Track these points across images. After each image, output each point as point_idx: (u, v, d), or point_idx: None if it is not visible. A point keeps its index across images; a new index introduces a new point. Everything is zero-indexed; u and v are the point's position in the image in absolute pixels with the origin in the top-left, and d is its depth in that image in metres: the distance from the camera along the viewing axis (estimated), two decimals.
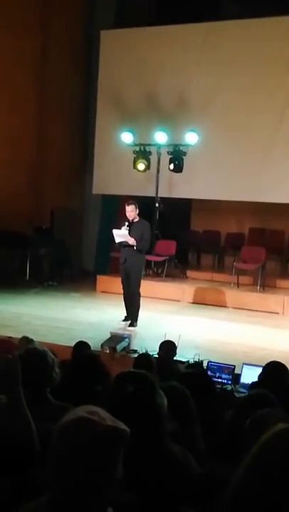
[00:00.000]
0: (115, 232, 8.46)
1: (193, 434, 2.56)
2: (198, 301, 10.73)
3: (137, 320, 8.58)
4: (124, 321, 8.62)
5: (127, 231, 8.35)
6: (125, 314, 8.70)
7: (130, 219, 8.45)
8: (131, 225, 8.42)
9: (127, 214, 8.47)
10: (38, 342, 5.19)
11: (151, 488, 2.16)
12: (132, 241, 8.33)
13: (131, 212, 8.45)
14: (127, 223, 8.43)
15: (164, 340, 6.17)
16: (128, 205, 8.52)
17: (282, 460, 1.43)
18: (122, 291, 8.83)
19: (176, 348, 5.99)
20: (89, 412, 1.55)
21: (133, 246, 8.37)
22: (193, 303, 10.75)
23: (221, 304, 10.56)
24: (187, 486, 2.25)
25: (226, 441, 2.58)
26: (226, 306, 10.51)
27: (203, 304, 10.64)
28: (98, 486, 1.51)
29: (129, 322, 8.55)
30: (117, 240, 8.47)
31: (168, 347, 5.92)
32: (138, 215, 8.56)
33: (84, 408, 1.60)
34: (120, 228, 8.46)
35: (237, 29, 11.52)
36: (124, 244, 8.46)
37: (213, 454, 2.63)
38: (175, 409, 2.51)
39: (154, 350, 6.13)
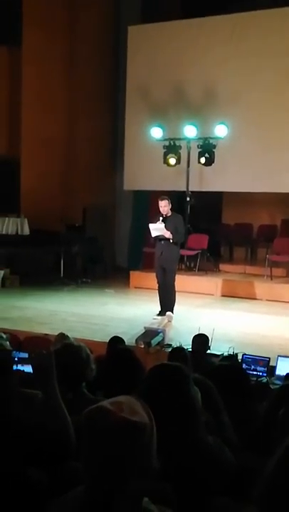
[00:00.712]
0: (151, 226, 8.55)
1: (221, 425, 2.56)
2: (232, 295, 10.70)
3: (172, 310, 8.64)
4: (158, 315, 8.65)
5: (163, 224, 8.44)
6: (159, 309, 8.73)
7: (164, 214, 8.53)
8: (165, 219, 8.51)
9: (161, 209, 8.54)
10: (73, 338, 5.25)
11: (188, 479, 2.18)
12: (168, 234, 8.43)
13: (164, 207, 8.53)
14: (161, 218, 8.51)
15: (196, 334, 6.17)
16: (161, 200, 8.60)
17: None
18: (156, 286, 8.87)
19: (208, 341, 5.99)
20: (112, 402, 1.58)
21: (169, 239, 8.46)
22: (226, 296, 10.72)
23: (255, 297, 10.51)
24: (222, 476, 2.26)
25: (261, 433, 2.58)
26: (259, 299, 10.45)
27: (236, 297, 10.60)
28: (124, 476, 1.53)
29: (164, 317, 8.59)
30: (154, 234, 8.55)
31: (201, 341, 5.92)
32: (170, 209, 8.62)
33: (115, 398, 1.63)
34: (155, 223, 8.54)
35: (266, 19, 11.39)
36: (160, 238, 8.54)
37: (247, 445, 2.64)
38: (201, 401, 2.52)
39: (188, 344, 6.14)
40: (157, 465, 1.61)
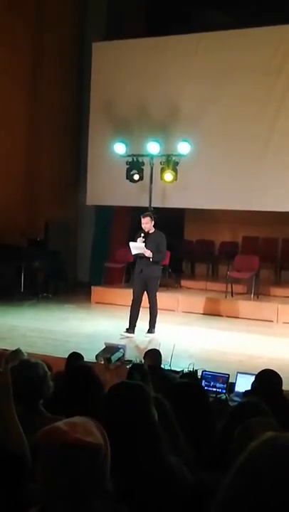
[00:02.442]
0: (132, 244, 8.45)
1: (175, 444, 2.57)
2: (193, 311, 10.75)
3: (154, 327, 8.62)
4: (126, 332, 8.51)
5: (144, 244, 8.35)
6: (127, 326, 8.59)
7: (146, 230, 8.45)
8: (146, 236, 8.43)
9: (143, 226, 8.48)
10: (33, 354, 5.20)
11: (147, 499, 2.17)
12: (148, 253, 8.33)
13: (146, 224, 8.47)
14: (142, 234, 8.43)
15: (148, 349, 6.19)
16: (144, 217, 8.56)
17: (270, 467, 1.44)
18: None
19: (161, 356, 6.00)
20: (66, 423, 1.58)
21: (149, 258, 8.37)
22: (187, 312, 10.76)
23: (215, 313, 10.57)
24: (181, 496, 2.26)
25: (218, 450, 2.59)
26: (220, 315, 10.52)
27: (197, 313, 10.65)
28: (79, 497, 1.53)
29: (132, 335, 8.52)
30: (134, 252, 8.46)
31: (153, 355, 5.93)
32: (154, 226, 8.58)
33: (70, 419, 1.63)
34: (135, 240, 8.46)
35: (227, 39, 11.60)
36: (140, 256, 8.46)
37: (205, 463, 2.64)
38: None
39: None
40: (111, 485, 1.61)
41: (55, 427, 1.58)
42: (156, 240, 8.47)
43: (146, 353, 6.08)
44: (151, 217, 8.56)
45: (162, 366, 5.95)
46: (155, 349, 6.09)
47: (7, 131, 12.50)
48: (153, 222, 8.58)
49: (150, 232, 8.50)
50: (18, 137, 12.88)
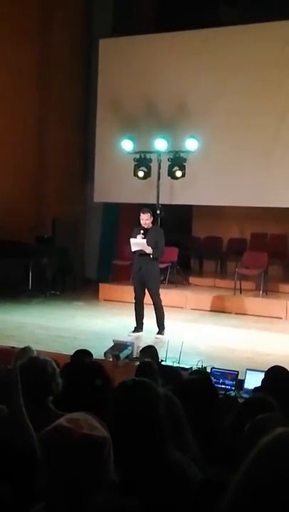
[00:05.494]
0: (133, 240, 8.30)
1: (184, 442, 2.56)
2: (201, 308, 10.73)
3: (164, 328, 8.44)
4: (134, 332, 8.43)
5: (145, 240, 8.23)
6: (135, 325, 8.50)
7: (146, 227, 8.33)
8: (145, 232, 8.30)
9: (142, 222, 8.34)
10: (41, 351, 5.19)
11: (155, 495, 2.16)
12: (149, 250, 8.19)
13: (146, 220, 8.33)
14: (142, 231, 8.31)
15: (144, 346, 6.20)
16: (144, 212, 8.40)
17: (281, 464, 1.43)
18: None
19: (157, 352, 6.00)
20: (68, 420, 1.57)
21: (149, 254, 8.25)
22: (195, 309, 10.74)
23: (224, 310, 10.55)
24: (188, 492, 2.25)
25: (226, 446, 2.58)
26: (228, 312, 10.49)
27: (205, 310, 10.63)
28: (84, 492, 1.52)
29: (140, 333, 8.44)
30: (134, 248, 8.31)
31: (149, 352, 5.93)
32: (152, 222, 8.50)
33: (69, 415, 1.62)
34: (135, 236, 8.31)
35: (236, 34, 11.55)
36: (139, 253, 8.32)
37: (213, 459, 2.63)
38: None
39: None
40: (116, 478, 1.61)
41: (59, 426, 1.57)
42: (154, 236, 8.34)
43: (141, 350, 6.08)
44: (151, 214, 8.44)
45: (161, 362, 5.96)
46: (151, 345, 6.10)
47: (15, 128, 12.52)
48: (152, 218, 8.48)
49: (148, 227, 8.38)
50: (26, 134, 12.90)
